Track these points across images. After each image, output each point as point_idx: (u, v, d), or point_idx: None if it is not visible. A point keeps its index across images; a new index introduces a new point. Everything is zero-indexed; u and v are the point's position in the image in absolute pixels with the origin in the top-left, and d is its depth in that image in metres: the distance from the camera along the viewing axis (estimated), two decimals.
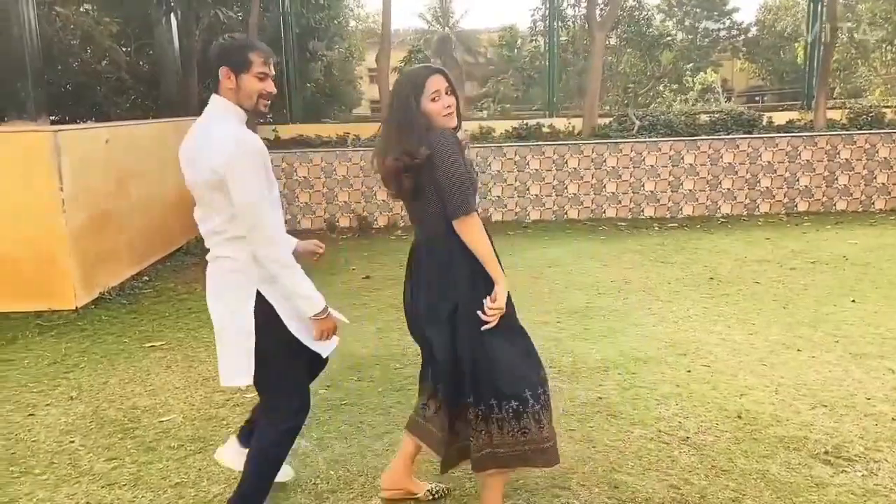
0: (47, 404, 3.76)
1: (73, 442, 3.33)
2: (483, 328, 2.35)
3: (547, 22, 13.69)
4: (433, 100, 2.35)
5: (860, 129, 9.26)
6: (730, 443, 3.11)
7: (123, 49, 10.39)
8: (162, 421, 3.53)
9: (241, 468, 2.53)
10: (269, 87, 2.38)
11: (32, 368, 4.30)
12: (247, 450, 2.58)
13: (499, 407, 2.39)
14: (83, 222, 5.41)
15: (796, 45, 22.37)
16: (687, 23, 23.25)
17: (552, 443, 2.43)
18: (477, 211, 2.37)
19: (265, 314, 2.36)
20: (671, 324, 4.76)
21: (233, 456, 2.78)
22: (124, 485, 2.93)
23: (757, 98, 26.17)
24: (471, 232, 2.33)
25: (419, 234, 2.51)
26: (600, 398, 3.63)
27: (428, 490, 2.76)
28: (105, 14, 10.90)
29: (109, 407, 3.70)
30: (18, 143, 5.05)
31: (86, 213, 5.46)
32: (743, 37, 25.94)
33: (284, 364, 2.44)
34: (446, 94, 2.37)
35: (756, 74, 27.53)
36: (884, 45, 20.41)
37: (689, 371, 3.93)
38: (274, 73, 2.43)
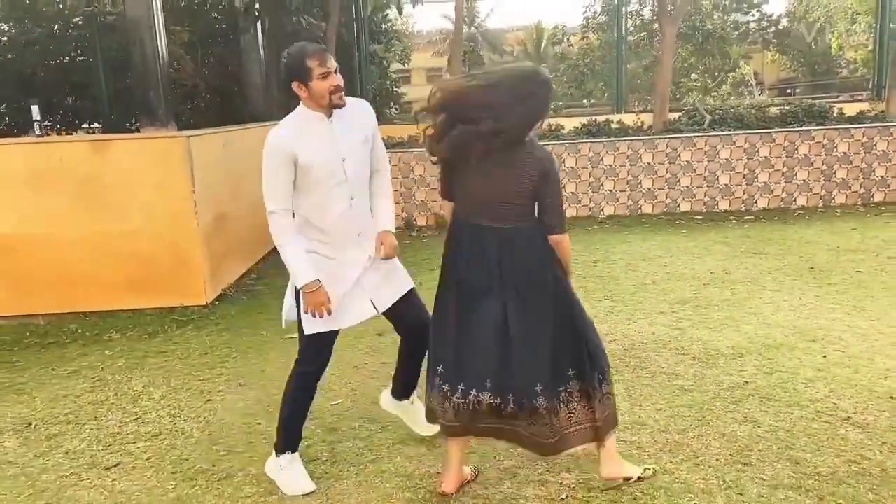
0: (220, 391, 4.03)
1: (259, 423, 3.58)
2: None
3: (604, 18, 13.82)
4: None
5: None
6: (891, 421, 3.25)
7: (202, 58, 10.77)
8: (333, 404, 3.76)
9: (395, 411, 3.28)
10: (333, 81, 2.68)
11: (188, 359, 4.58)
12: (399, 400, 3.25)
13: (599, 383, 2.65)
14: (210, 223, 5.70)
15: (830, 36, 22.18)
16: (716, 16, 23.15)
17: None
18: None
19: None
20: (789, 312, 4.89)
21: (387, 402, 3.35)
22: (325, 461, 3.16)
23: (788, 90, 25.94)
24: (566, 247, 2.67)
25: (479, 214, 2.61)
26: (746, 382, 3.78)
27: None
28: (175, 23, 11.33)
29: (278, 392, 3.89)
30: (156, 149, 5.35)
31: (211, 214, 5.75)
32: (773, 28, 25.76)
33: (301, 320, 2.92)
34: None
35: (787, 66, 27.30)
36: None
37: (824, 356, 4.07)
38: (335, 65, 2.70)
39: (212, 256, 5.69)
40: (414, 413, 3.28)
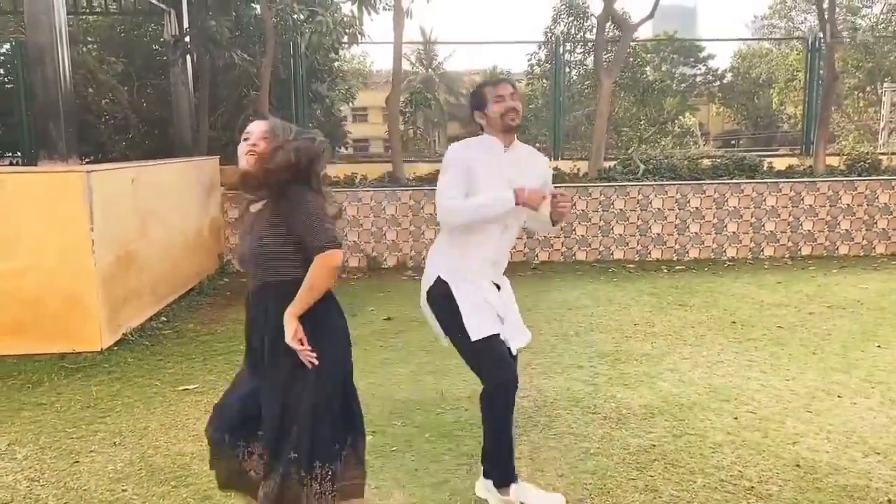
0: (91, 451, 3.68)
1: (125, 491, 3.25)
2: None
3: (548, 66, 14.01)
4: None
5: (859, 175, 9.52)
6: (795, 492, 3.11)
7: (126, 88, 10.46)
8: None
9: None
10: (505, 104, 2.89)
11: (66, 412, 4.21)
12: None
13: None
14: (110, 263, 5.36)
15: (771, 91, 23.09)
16: (664, 68, 23.94)
17: None
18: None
19: None
20: (706, 368, 4.79)
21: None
22: None
23: (732, 142, 26.86)
24: None
25: None
26: (654, 445, 3.62)
27: None
28: (110, 54, 11.01)
29: (156, 454, 3.63)
30: (51, 183, 5.02)
31: (113, 254, 5.41)
32: (718, 83, 26.75)
33: (462, 334, 2.97)
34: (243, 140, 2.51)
35: (731, 119, 28.30)
36: (856, 93, 21.09)
37: (735, 418, 3.94)
38: (508, 91, 2.93)
39: (110, 298, 5.34)
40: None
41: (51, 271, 5.07)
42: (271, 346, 2.42)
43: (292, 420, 2.39)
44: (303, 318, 2.39)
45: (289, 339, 2.35)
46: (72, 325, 5.12)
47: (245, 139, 2.47)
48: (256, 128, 2.47)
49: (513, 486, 2.94)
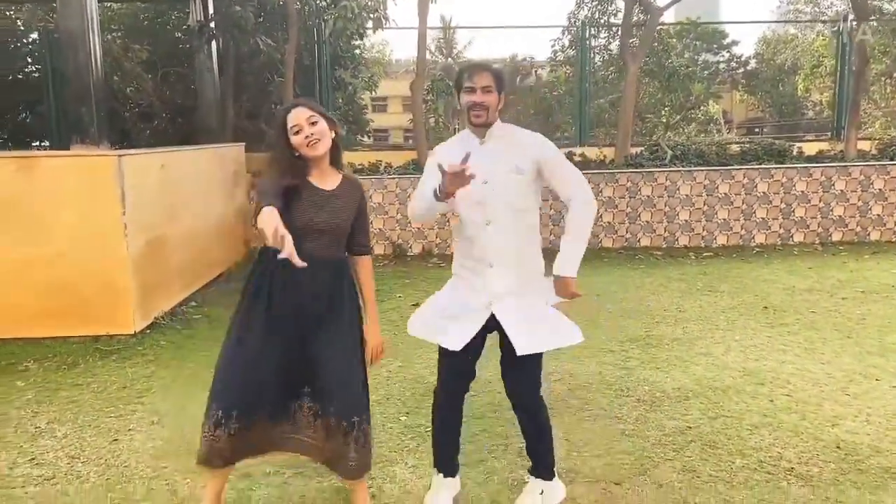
0: (129, 429, 3.72)
1: (166, 468, 3.29)
2: None
3: (572, 52, 13.89)
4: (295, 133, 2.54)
5: (891, 159, 9.34)
6: (836, 473, 3.07)
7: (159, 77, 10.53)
8: None
9: None
10: (471, 97, 2.65)
11: (103, 393, 4.27)
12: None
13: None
14: (142, 247, 5.41)
15: (796, 77, 22.69)
16: (686, 55, 23.57)
17: None
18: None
19: None
20: (739, 353, 4.74)
21: None
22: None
23: (756, 130, 26.47)
24: None
25: None
26: (690, 427, 3.60)
27: None
28: (134, 42, 11.09)
29: (194, 432, 3.61)
30: (83, 167, 5.07)
31: (144, 239, 5.46)
32: (742, 69, 26.33)
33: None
34: (309, 124, 2.52)
35: (755, 106, 27.86)
36: (883, 79, 20.67)
37: (771, 401, 3.90)
38: (480, 83, 2.65)
39: (143, 282, 5.39)
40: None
41: (84, 255, 5.13)
42: (339, 311, 2.64)
43: (350, 376, 2.61)
44: (355, 304, 2.73)
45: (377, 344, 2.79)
46: (105, 308, 5.18)
47: (296, 131, 2.52)
48: (303, 114, 2.53)
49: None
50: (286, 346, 2.55)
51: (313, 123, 2.53)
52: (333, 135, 2.61)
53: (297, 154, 2.56)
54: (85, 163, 5.10)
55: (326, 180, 2.63)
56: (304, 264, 2.20)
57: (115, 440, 3.60)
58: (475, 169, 2.52)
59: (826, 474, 3.07)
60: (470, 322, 2.73)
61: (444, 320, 2.78)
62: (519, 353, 2.68)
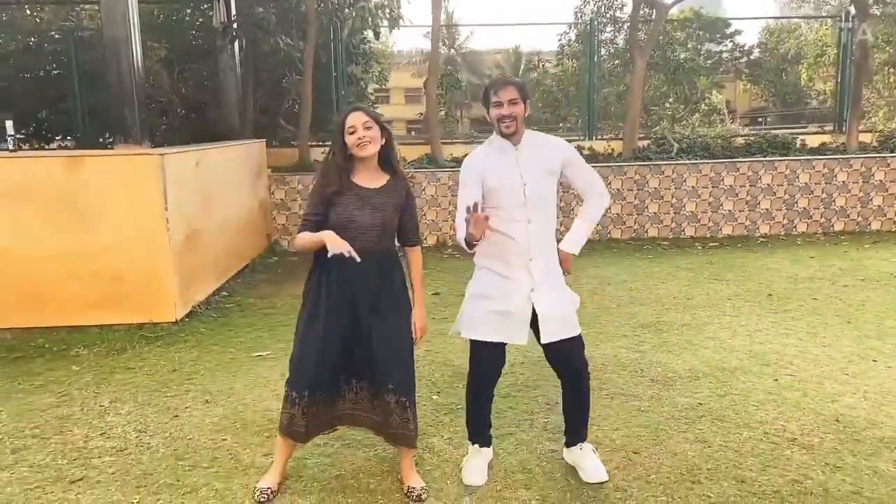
0: (186, 407, 4.06)
1: (225, 440, 3.63)
2: None
3: (578, 46, 14.13)
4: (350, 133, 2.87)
5: (891, 151, 9.62)
6: (835, 443, 3.40)
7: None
8: None
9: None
10: (500, 111, 2.97)
11: (156, 375, 4.61)
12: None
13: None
14: (181, 240, 5.74)
15: (799, 67, 22.86)
16: (689, 45, 23.72)
17: None
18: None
19: None
20: (745, 337, 5.06)
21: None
22: (289, 476, 3.22)
23: (760, 119, 26.65)
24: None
25: None
26: (700, 404, 3.92)
27: None
28: (152, 40, 11.35)
29: (246, 410, 4.01)
30: (129, 166, 5.39)
31: (183, 232, 5.79)
32: (745, 59, 26.47)
33: None
34: (364, 128, 2.85)
35: (758, 96, 27.99)
36: (886, 68, 20.84)
37: (776, 380, 4.23)
38: (506, 97, 2.96)
39: (182, 273, 5.73)
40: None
41: (130, 248, 5.46)
42: (391, 299, 2.98)
43: (407, 356, 3.00)
44: (405, 290, 3.07)
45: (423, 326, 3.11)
46: (150, 298, 5.52)
47: (351, 132, 2.86)
48: (360, 118, 2.87)
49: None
50: (346, 334, 2.91)
51: (368, 128, 2.87)
52: (383, 141, 2.92)
53: (349, 153, 2.89)
54: (129, 161, 5.42)
55: (372, 180, 2.96)
56: (359, 259, 2.67)
57: (176, 416, 3.94)
58: (517, 173, 2.99)
59: (826, 444, 3.40)
60: (521, 316, 3.07)
61: (497, 317, 3.07)
62: (544, 341, 3.06)
